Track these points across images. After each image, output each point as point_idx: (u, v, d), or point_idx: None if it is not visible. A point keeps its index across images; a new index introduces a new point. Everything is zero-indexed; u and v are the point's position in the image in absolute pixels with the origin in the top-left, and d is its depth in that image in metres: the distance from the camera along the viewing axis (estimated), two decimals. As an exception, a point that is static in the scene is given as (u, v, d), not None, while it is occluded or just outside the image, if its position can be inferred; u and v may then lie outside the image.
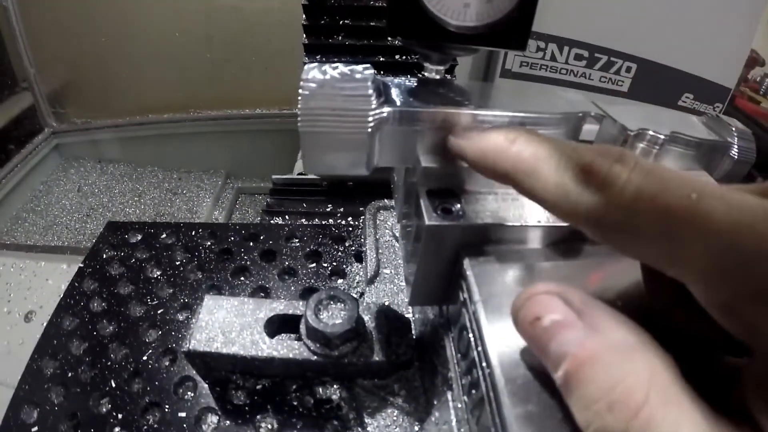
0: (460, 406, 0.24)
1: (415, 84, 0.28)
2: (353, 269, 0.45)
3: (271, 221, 0.67)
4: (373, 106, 0.24)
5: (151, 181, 1.47)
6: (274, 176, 0.74)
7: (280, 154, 1.12)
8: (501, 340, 0.20)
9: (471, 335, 0.22)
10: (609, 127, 0.28)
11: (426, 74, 0.30)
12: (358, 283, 0.44)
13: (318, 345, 0.30)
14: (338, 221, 0.64)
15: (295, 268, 0.45)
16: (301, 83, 0.23)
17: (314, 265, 0.46)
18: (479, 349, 0.20)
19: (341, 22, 0.63)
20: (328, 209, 0.72)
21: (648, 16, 0.78)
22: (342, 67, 0.24)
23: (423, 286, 0.26)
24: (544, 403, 0.17)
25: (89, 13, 1.28)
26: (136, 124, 1.44)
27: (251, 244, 0.48)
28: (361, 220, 0.50)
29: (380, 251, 0.44)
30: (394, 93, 0.26)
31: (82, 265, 0.46)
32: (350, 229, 0.50)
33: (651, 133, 0.28)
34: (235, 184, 1.53)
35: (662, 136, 0.28)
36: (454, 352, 0.25)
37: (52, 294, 0.53)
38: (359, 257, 0.46)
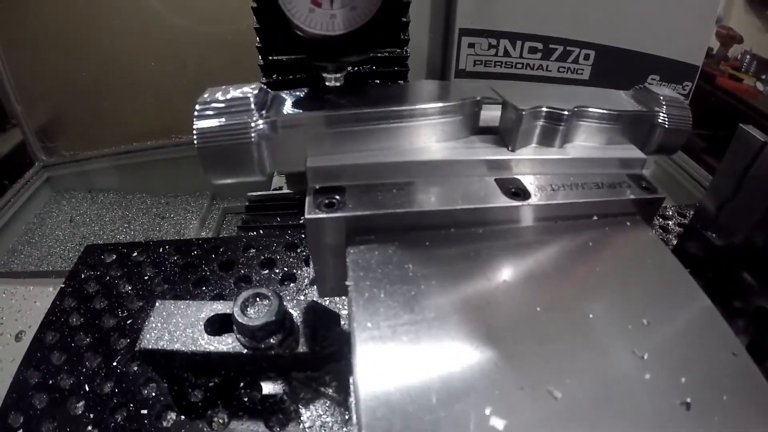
0: None
1: (306, 93, 0.31)
2: (303, 273, 0.50)
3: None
4: (254, 119, 0.27)
5: (140, 208, 1.51)
6: (249, 193, 0.79)
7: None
8: (365, 317, 0.24)
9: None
10: (509, 111, 0.30)
11: (327, 83, 0.33)
12: (306, 285, 0.49)
13: (246, 339, 0.34)
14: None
15: (249, 276, 0.50)
16: (196, 106, 0.27)
17: (267, 271, 0.51)
18: (353, 325, 0.24)
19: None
20: (301, 221, 0.77)
21: (601, 1, 0.75)
22: (232, 90, 0.28)
23: (322, 276, 0.30)
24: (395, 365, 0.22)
25: (70, 50, 1.33)
26: (122, 153, 1.49)
27: (212, 256, 0.53)
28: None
29: (323, 255, 0.48)
30: (286, 104, 0.29)
31: (63, 285, 0.51)
32: (303, 236, 0.55)
33: (545, 109, 0.28)
34: (220, 204, 1.57)
35: (566, 113, 0.28)
36: None
37: (39, 314, 0.57)
38: (309, 261, 0.51)
